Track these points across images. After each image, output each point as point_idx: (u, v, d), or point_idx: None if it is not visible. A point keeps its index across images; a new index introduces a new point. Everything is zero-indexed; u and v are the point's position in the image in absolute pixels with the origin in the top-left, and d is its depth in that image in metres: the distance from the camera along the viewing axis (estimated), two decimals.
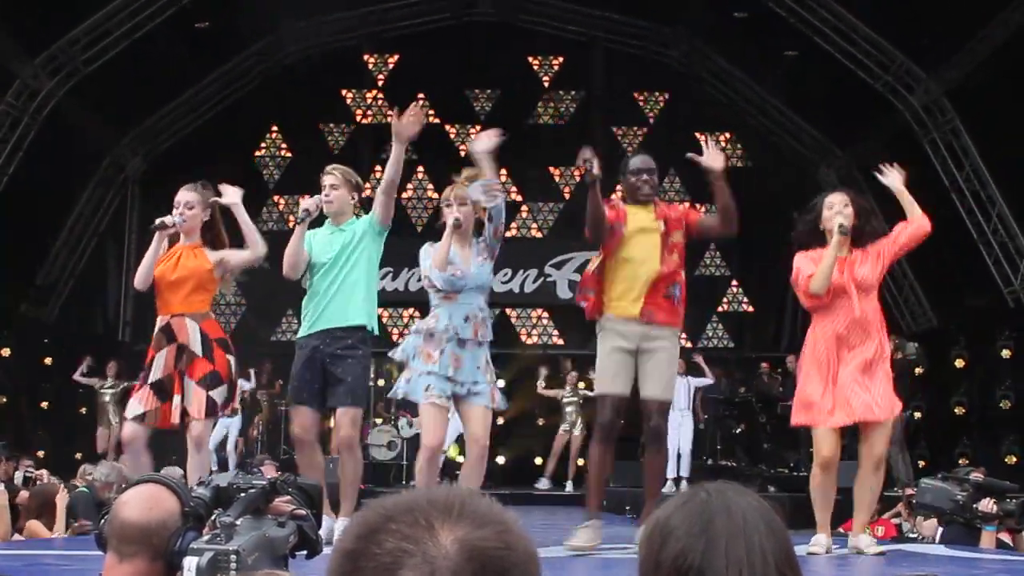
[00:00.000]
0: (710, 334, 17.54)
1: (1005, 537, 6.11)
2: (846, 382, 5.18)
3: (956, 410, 13.78)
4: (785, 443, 13.47)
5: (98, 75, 14.00)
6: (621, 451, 12.09)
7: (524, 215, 17.58)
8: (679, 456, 12.80)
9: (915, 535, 8.26)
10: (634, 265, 5.43)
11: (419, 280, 5.55)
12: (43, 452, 13.45)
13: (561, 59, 18.18)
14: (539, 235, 17.70)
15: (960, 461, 12.61)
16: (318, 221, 5.76)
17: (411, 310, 16.41)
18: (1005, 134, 12.55)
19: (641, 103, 18.16)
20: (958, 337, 14.07)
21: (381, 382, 14.25)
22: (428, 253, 5.44)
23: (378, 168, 13.43)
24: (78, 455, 13.29)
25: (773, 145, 17.21)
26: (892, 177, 5.54)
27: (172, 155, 16.52)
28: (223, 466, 12.12)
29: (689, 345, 15.40)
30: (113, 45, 13.92)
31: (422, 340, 5.38)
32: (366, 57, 17.98)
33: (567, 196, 17.40)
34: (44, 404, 14.94)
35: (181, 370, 5.44)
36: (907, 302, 15.71)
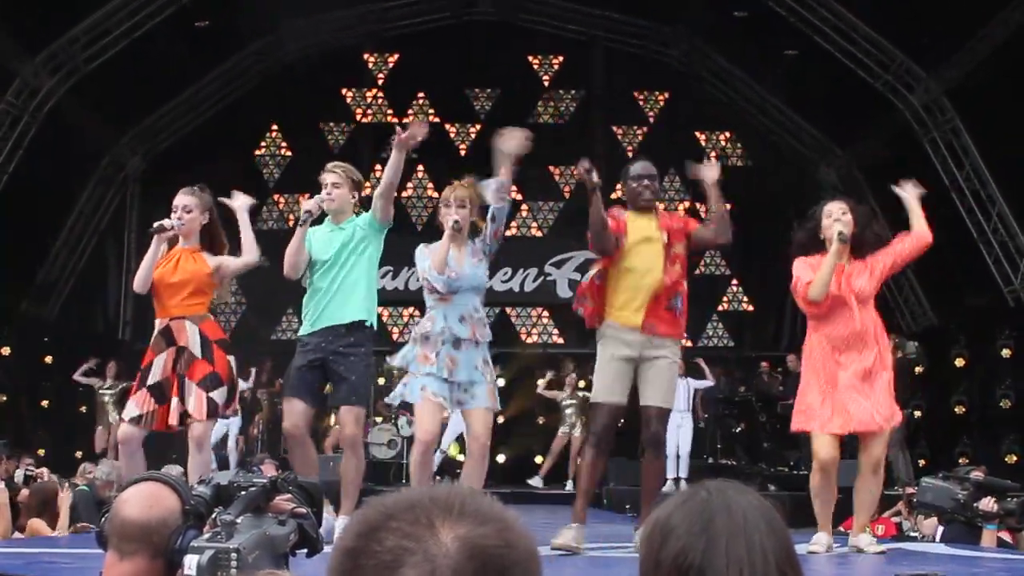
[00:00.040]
0: (710, 333, 17.53)
1: (1006, 536, 6.12)
2: (846, 390, 5.18)
3: (956, 409, 13.78)
4: (785, 442, 13.47)
5: (98, 74, 13.99)
6: (622, 450, 12.15)
7: (524, 214, 17.57)
8: (678, 457, 12.81)
9: (915, 534, 8.27)
10: (636, 276, 5.43)
11: (419, 280, 5.54)
12: (43, 451, 13.45)
13: (561, 58, 18.17)
14: (539, 234, 17.69)
15: (960, 460, 12.61)
16: (318, 219, 5.77)
17: (411, 309, 16.41)
18: (1005, 133, 12.55)
19: (641, 102, 18.14)
20: (958, 336, 14.07)
21: (381, 381, 14.24)
22: (424, 254, 5.44)
23: (378, 167, 13.41)
24: (78, 454, 13.29)
25: (773, 144, 17.20)
26: (908, 191, 5.55)
27: (172, 154, 16.52)
28: (223, 465, 12.12)
29: (689, 344, 15.40)
30: (113, 44, 13.91)
31: (419, 345, 5.39)
32: (366, 56, 17.97)
33: (567, 195, 17.39)
34: (44, 403, 14.95)
35: (180, 372, 5.45)
36: (907, 301, 15.71)
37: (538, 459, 14.92)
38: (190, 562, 2.10)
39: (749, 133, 17.53)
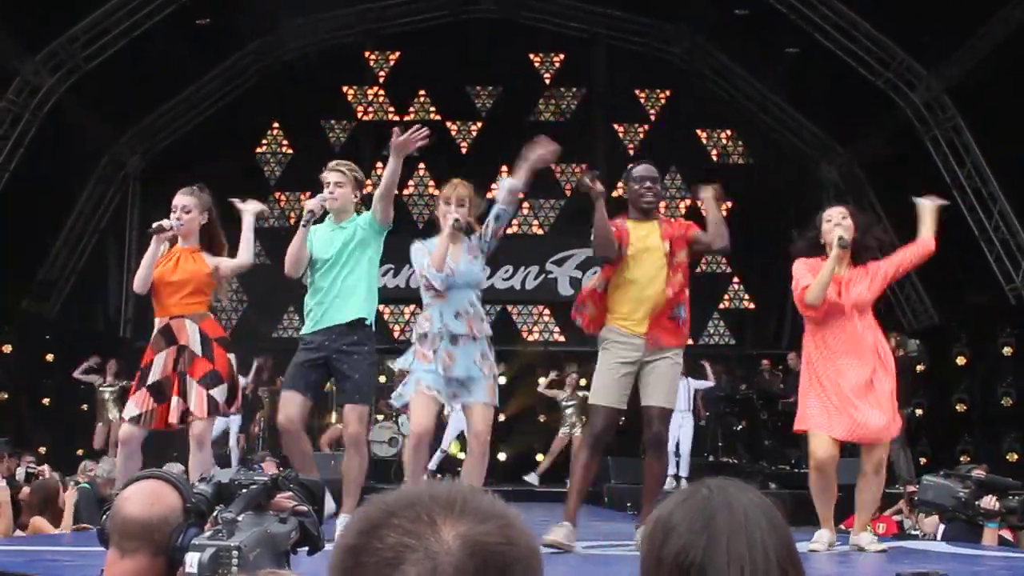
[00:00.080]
0: (711, 331, 17.54)
1: (1007, 534, 6.12)
2: (850, 397, 5.17)
3: (957, 407, 13.79)
4: (786, 440, 13.46)
5: (98, 72, 14.00)
6: (623, 448, 12.14)
7: (525, 212, 17.56)
8: (678, 455, 12.82)
9: (917, 532, 8.27)
10: (639, 287, 5.43)
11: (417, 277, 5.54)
12: (44, 448, 13.46)
13: (562, 56, 18.16)
14: (540, 232, 17.70)
15: (961, 458, 12.62)
16: (319, 218, 5.76)
17: (412, 307, 16.40)
18: (1006, 131, 12.55)
19: (642, 100, 18.14)
20: (959, 334, 14.08)
21: (383, 379, 14.25)
22: (421, 252, 5.44)
23: (380, 165, 13.43)
24: (79, 451, 13.30)
25: (774, 142, 17.20)
26: (928, 201, 5.54)
27: (173, 152, 16.53)
28: (224, 462, 12.12)
29: (690, 342, 15.40)
30: (113, 42, 13.92)
31: (418, 344, 5.41)
32: (367, 54, 17.97)
33: (568, 193, 17.39)
34: (45, 401, 14.96)
35: (181, 371, 5.46)
36: (908, 299, 15.71)
37: (539, 457, 14.93)
38: (191, 560, 2.10)
39: (750, 131, 17.53)
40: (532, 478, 14.18)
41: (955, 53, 13.15)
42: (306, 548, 2.39)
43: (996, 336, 13.34)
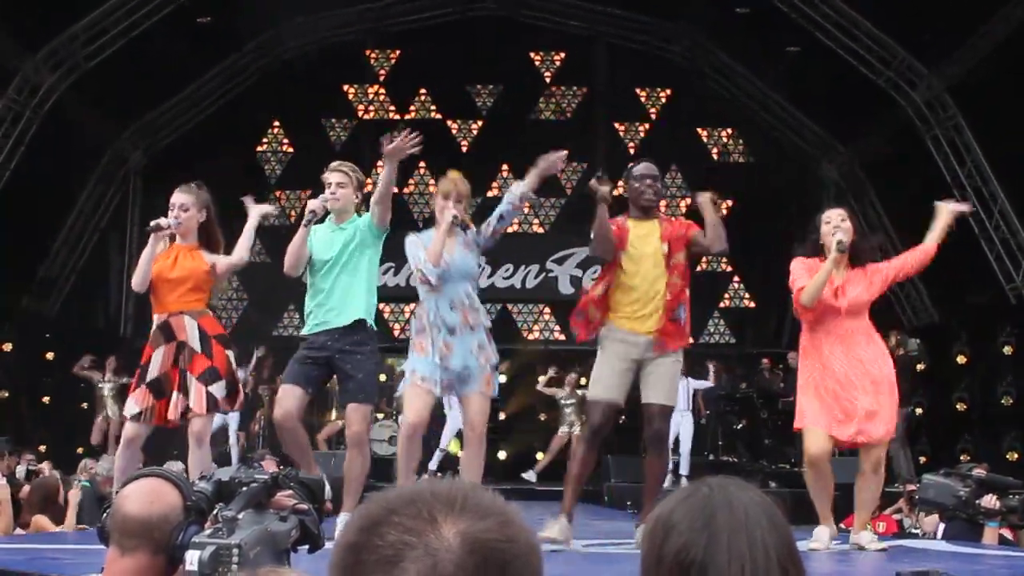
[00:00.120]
0: (711, 330, 17.54)
1: (1007, 533, 6.12)
2: (848, 398, 5.17)
3: (957, 406, 13.79)
4: (786, 439, 13.46)
5: (99, 70, 14.01)
6: (623, 447, 12.13)
7: (526, 210, 17.53)
8: (677, 455, 12.81)
9: (917, 531, 8.27)
10: (637, 287, 5.44)
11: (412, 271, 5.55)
12: (44, 447, 13.47)
13: (563, 54, 18.16)
14: (541, 230, 17.70)
15: (961, 457, 12.62)
16: (320, 218, 5.76)
17: (412, 305, 16.25)
18: (1007, 130, 12.55)
19: (643, 99, 18.14)
20: (960, 333, 14.08)
21: (383, 377, 14.27)
22: (416, 245, 5.44)
23: (380, 164, 13.42)
24: (79, 450, 13.30)
25: (775, 141, 17.20)
26: (951, 206, 5.54)
27: (174, 150, 16.53)
28: (224, 460, 12.12)
29: (691, 341, 15.40)
30: (114, 41, 13.93)
31: (415, 336, 5.41)
32: (368, 52, 17.97)
33: (569, 192, 17.39)
34: (45, 399, 14.96)
35: (182, 367, 5.46)
36: (909, 298, 15.71)
37: (539, 456, 14.94)
38: (191, 558, 2.09)
39: (751, 130, 17.53)
40: (530, 476, 14.19)
41: (956, 52, 13.15)
42: (306, 546, 2.39)
43: (996, 335, 13.34)
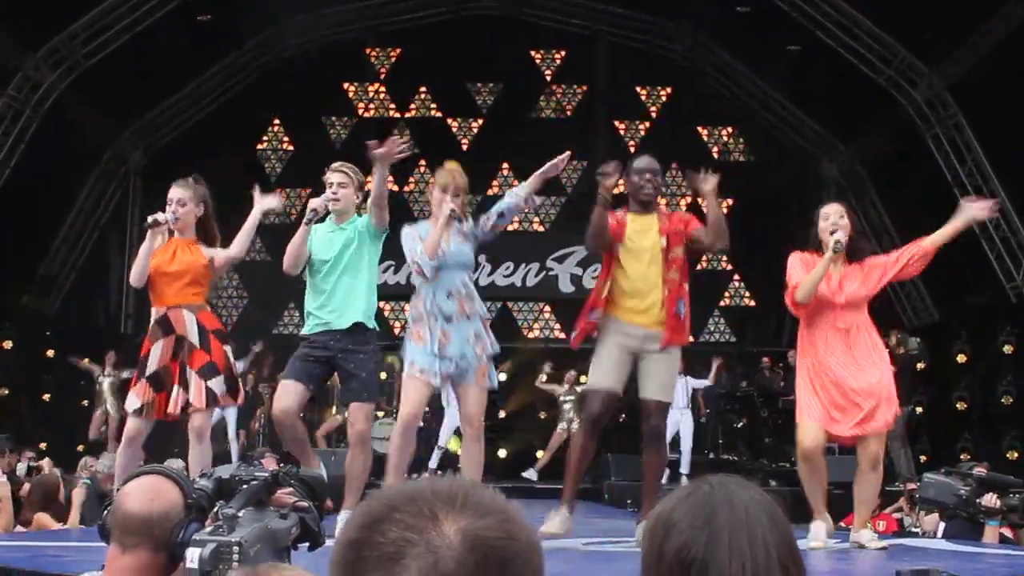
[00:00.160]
0: (712, 328, 17.55)
1: (1007, 532, 6.12)
2: (846, 392, 5.17)
3: (958, 405, 13.79)
4: (787, 437, 13.43)
5: (99, 69, 14.01)
6: (623, 445, 12.12)
7: (526, 210, 17.53)
8: (678, 453, 12.81)
9: (917, 530, 8.27)
10: (635, 280, 5.45)
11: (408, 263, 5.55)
12: (44, 444, 13.47)
13: (564, 53, 18.16)
14: (541, 229, 17.69)
15: (962, 456, 12.62)
16: (320, 217, 5.76)
17: None
18: (1007, 129, 12.54)
19: (644, 97, 18.14)
20: (960, 332, 14.08)
21: (383, 375, 14.27)
22: (412, 236, 5.44)
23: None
24: (79, 447, 13.31)
25: (776, 140, 17.20)
26: (978, 208, 5.50)
27: (174, 148, 16.53)
28: (225, 458, 12.12)
29: (691, 340, 15.41)
30: (114, 39, 13.93)
31: (412, 325, 5.42)
32: (368, 50, 17.97)
33: (569, 190, 17.39)
34: (45, 397, 14.96)
35: (182, 361, 5.47)
36: (909, 297, 15.71)
37: (539, 454, 14.94)
38: (192, 555, 2.09)
39: (752, 128, 17.52)
40: (531, 474, 14.20)
41: (956, 51, 13.15)
42: (307, 544, 2.39)
43: (996, 334, 13.34)
